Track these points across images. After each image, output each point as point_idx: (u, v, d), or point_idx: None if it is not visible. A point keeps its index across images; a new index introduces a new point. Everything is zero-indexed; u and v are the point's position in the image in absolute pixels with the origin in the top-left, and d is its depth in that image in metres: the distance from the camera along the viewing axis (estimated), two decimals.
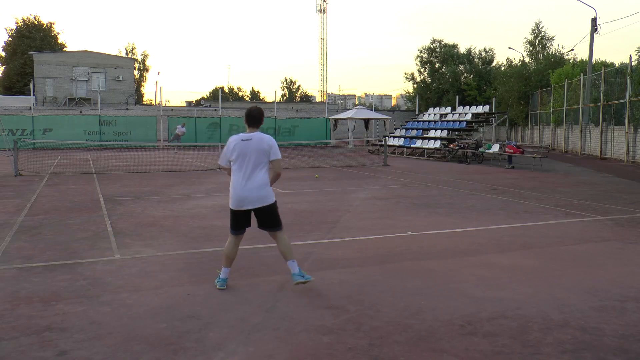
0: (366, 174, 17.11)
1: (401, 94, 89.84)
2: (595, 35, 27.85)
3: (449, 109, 31.96)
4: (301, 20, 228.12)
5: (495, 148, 21.42)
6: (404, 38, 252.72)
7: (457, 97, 40.55)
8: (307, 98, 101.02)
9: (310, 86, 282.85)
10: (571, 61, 37.02)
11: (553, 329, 4.18)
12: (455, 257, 6.45)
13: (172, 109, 47.45)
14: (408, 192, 12.43)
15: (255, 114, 5.07)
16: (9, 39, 63.00)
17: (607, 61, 33.58)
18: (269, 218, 5.12)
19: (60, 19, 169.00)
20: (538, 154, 19.74)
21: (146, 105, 59.57)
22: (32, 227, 8.21)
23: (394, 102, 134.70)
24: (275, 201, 5.18)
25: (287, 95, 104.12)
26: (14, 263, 6.10)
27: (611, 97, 24.36)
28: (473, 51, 51.68)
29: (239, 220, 5.18)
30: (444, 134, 27.23)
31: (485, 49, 52.60)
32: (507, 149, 20.36)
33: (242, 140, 5.02)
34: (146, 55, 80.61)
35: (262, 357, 3.70)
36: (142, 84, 79.30)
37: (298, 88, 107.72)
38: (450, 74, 49.63)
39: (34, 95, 41.15)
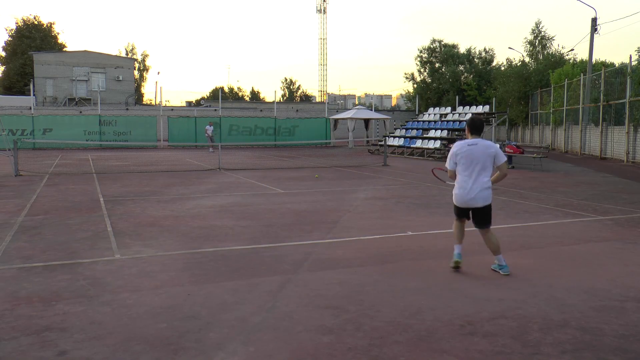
0: (366, 174, 17.11)
1: (401, 94, 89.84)
2: (595, 35, 27.87)
3: (449, 109, 31.97)
4: (301, 20, 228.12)
5: None
6: (404, 38, 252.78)
7: (457, 97, 40.54)
8: (307, 98, 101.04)
9: (310, 86, 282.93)
10: (571, 61, 37.04)
11: (553, 329, 4.18)
12: None
13: (172, 109, 47.47)
14: (408, 192, 12.43)
15: (478, 123, 5.70)
16: (9, 39, 63.06)
17: (607, 61, 33.62)
18: (484, 217, 5.68)
19: (60, 19, 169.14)
20: (538, 154, 19.74)
21: (146, 105, 59.61)
22: (32, 227, 8.21)
23: (394, 102, 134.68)
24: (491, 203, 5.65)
25: (287, 95, 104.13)
26: (14, 263, 6.10)
27: (611, 97, 24.36)
28: (473, 51, 51.72)
29: (461, 213, 5.80)
30: (444, 134, 27.23)
31: (485, 49, 52.70)
32: (507, 149, 20.35)
33: (469, 145, 5.58)
34: (146, 55, 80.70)
35: (262, 357, 3.70)
36: (142, 84, 79.38)
37: (298, 88, 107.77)
38: (450, 74, 49.65)
39: (34, 95, 41.15)
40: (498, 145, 5.55)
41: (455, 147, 5.65)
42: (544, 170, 18.45)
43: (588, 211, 9.83)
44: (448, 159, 5.72)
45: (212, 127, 31.16)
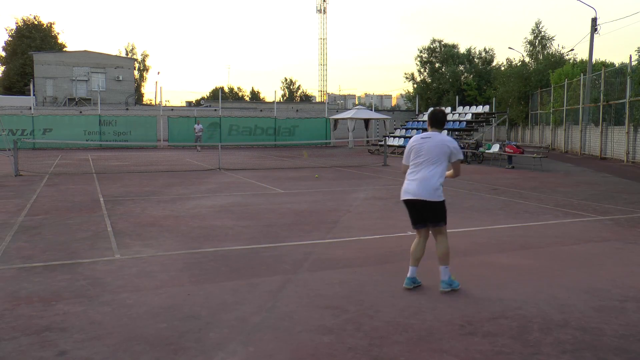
0: (366, 174, 17.11)
1: (401, 94, 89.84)
2: (595, 35, 27.86)
3: (449, 109, 31.95)
4: (301, 20, 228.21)
5: (495, 148, 21.42)
6: (404, 38, 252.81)
7: (457, 97, 40.55)
8: (307, 98, 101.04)
9: (310, 86, 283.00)
10: (571, 61, 37.03)
11: (553, 329, 4.18)
12: (455, 257, 6.44)
13: (172, 109, 47.46)
14: None
15: (439, 116, 5.29)
16: (9, 39, 63.03)
17: (607, 61, 33.60)
18: (434, 213, 5.16)
19: (60, 19, 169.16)
20: (538, 154, 19.74)
21: (146, 105, 59.59)
22: (32, 227, 8.21)
23: (394, 102, 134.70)
24: (443, 201, 5.16)
25: (287, 95, 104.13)
26: (14, 263, 6.10)
27: (611, 97, 24.36)
28: (473, 51, 51.71)
29: (412, 212, 5.30)
30: (444, 134, 27.21)
31: (485, 49, 52.67)
32: (507, 149, 20.36)
33: (422, 138, 5.20)
34: (146, 55, 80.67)
35: (262, 357, 3.70)
36: (142, 84, 79.35)
37: (298, 88, 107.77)
38: (450, 74, 49.64)
39: (34, 95, 41.15)
40: (456, 143, 5.18)
41: (410, 141, 5.33)
42: (544, 170, 18.45)
43: (588, 211, 9.83)
44: (404, 157, 5.36)
45: (200, 125, 31.73)
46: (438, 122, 5.25)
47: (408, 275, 5.24)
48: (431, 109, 5.60)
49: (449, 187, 13.36)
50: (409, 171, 5.26)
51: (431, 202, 5.08)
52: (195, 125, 31.69)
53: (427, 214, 5.16)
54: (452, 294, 5.04)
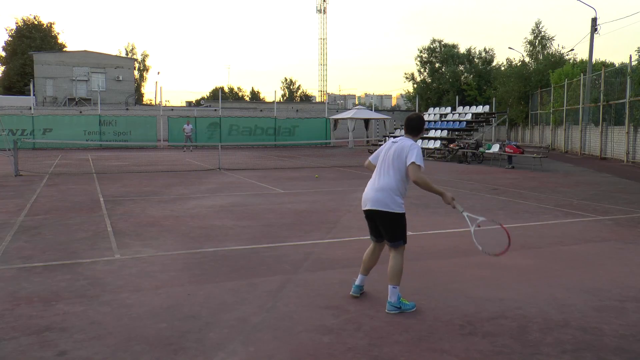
0: (366, 174, 17.07)
1: (401, 94, 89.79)
2: (595, 35, 27.86)
3: (449, 109, 31.94)
4: (301, 20, 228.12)
5: (495, 148, 21.42)
6: (404, 38, 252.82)
7: (457, 97, 40.55)
8: (307, 98, 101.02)
9: (310, 86, 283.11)
10: (571, 61, 37.02)
11: (553, 329, 4.18)
12: (455, 257, 6.45)
13: (172, 109, 47.44)
14: (408, 192, 12.40)
15: (413, 123, 4.83)
16: (9, 39, 63.01)
17: (607, 61, 33.61)
18: (385, 227, 4.68)
19: (60, 19, 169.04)
20: (538, 154, 19.74)
21: (146, 105, 59.58)
22: (32, 227, 8.21)
23: (394, 102, 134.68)
24: (402, 214, 4.66)
25: (287, 95, 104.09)
26: (14, 263, 6.10)
27: (611, 97, 24.36)
28: (473, 51, 51.69)
29: (369, 221, 4.89)
30: (444, 134, 27.23)
31: (485, 49, 52.62)
32: (507, 149, 20.36)
33: (392, 142, 4.82)
34: (146, 55, 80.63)
35: (262, 357, 3.70)
36: (142, 84, 79.32)
37: (298, 88, 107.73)
38: (450, 74, 49.62)
39: (34, 95, 41.13)
40: (418, 147, 4.60)
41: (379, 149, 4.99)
42: (544, 170, 18.45)
43: (588, 211, 9.83)
44: (371, 158, 5.06)
45: (190, 126, 31.88)
46: (410, 128, 4.81)
47: (356, 282, 4.92)
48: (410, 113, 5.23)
49: (449, 188, 13.37)
50: (373, 176, 4.88)
51: (386, 213, 4.59)
52: (185, 126, 31.74)
53: (381, 228, 4.70)
54: (452, 294, 5.03)
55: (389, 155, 4.71)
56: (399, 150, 4.65)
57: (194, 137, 34.15)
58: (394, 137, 4.97)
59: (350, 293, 4.95)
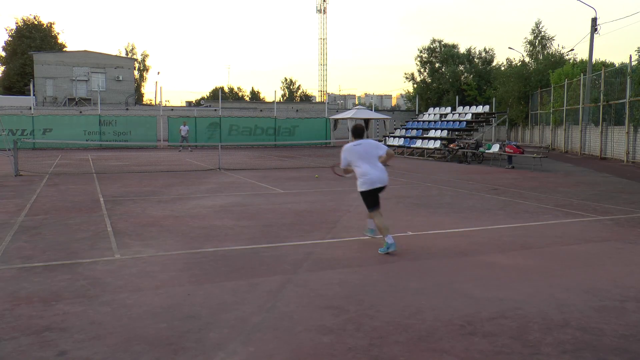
0: None
1: (401, 94, 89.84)
2: (595, 35, 27.86)
3: (449, 109, 31.96)
4: (301, 20, 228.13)
5: (495, 148, 21.42)
6: (404, 38, 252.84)
7: (457, 97, 40.54)
8: (307, 98, 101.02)
9: (310, 86, 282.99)
10: (571, 61, 37.03)
11: (553, 329, 4.18)
12: (455, 257, 6.45)
13: (172, 109, 47.42)
14: (408, 192, 12.43)
15: (358, 131, 6.96)
16: (9, 39, 63.00)
17: (607, 61, 33.60)
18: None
19: (60, 19, 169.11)
20: (538, 154, 19.74)
21: (146, 105, 59.53)
22: (32, 227, 8.21)
23: (394, 102, 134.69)
24: None
25: (287, 95, 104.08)
26: (14, 263, 6.10)
27: (611, 97, 24.36)
28: (473, 51, 51.66)
29: (373, 195, 6.74)
30: (444, 134, 27.24)
31: (485, 49, 52.60)
32: (507, 149, 20.36)
33: (354, 145, 6.76)
34: (146, 55, 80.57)
35: (262, 357, 3.70)
36: (142, 84, 79.29)
37: (298, 88, 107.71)
38: (450, 74, 49.61)
39: (34, 95, 41.14)
40: (379, 141, 6.77)
41: (344, 153, 6.78)
42: (544, 170, 18.45)
43: (588, 211, 9.83)
44: (345, 163, 6.80)
45: (186, 127, 32.01)
46: (358, 134, 6.91)
47: (390, 242, 6.54)
48: (354, 124, 7.44)
49: (449, 188, 13.38)
50: (363, 168, 6.66)
51: (385, 186, 6.78)
52: (182, 127, 31.81)
53: (378, 196, 6.79)
54: (452, 294, 5.04)
55: (367, 152, 6.72)
56: (371, 147, 6.80)
57: (193, 138, 34.17)
58: (355, 143, 6.86)
59: (389, 250, 6.56)
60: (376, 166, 6.70)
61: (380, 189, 6.74)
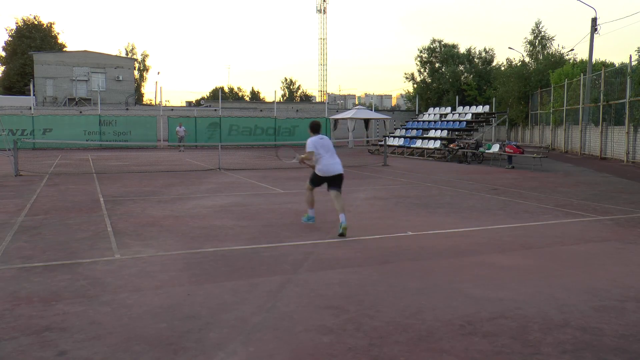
0: (366, 174, 17.11)
1: (401, 94, 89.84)
2: (595, 35, 27.87)
3: (449, 109, 31.97)
4: (301, 20, 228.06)
5: (495, 148, 21.42)
6: (404, 38, 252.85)
7: (457, 97, 40.57)
8: (307, 98, 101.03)
9: (310, 86, 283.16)
10: (571, 61, 37.03)
11: (553, 329, 4.18)
12: (455, 257, 6.45)
13: (172, 109, 47.45)
14: (408, 192, 12.43)
15: (317, 127, 8.34)
16: (9, 39, 63.02)
17: (607, 61, 33.60)
18: (340, 182, 7.93)
19: (60, 19, 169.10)
20: (538, 154, 19.75)
21: (146, 105, 59.56)
22: (32, 227, 8.21)
23: (394, 102, 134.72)
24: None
25: (287, 95, 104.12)
26: (14, 263, 6.10)
27: (611, 97, 24.36)
28: (473, 51, 51.72)
29: (321, 181, 8.01)
30: (444, 134, 27.24)
31: (485, 49, 52.70)
32: (507, 149, 20.36)
33: (320, 139, 8.01)
34: (146, 55, 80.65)
35: (262, 357, 3.70)
36: (142, 84, 79.34)
37: (298, 88, 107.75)
38: (450, 74, 49.64)
39: (34, 95, 41.15)
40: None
41: (312, 142, 7.90)
42: (544, 170, 18.45)
43: (588, 211, 9.83)
44: (314, 148, 7.86)
45: (183, 128, 32.23)
46: (317, 129, 8.24)
47: (312, 215, 8.44)
48: (312, 121, 8.66)
49: (449, 188, 13.38)
50: (324, 159, 7.86)
51: (342, 175, 7.93)
52: (178, 128, 31.98)
53: (337, 182, 7.88)
54: (452, 294, 5.03)
55: (328, 145, 8.02)
56: (329, 142, 8.10)
57: (193, 138, 34.17)
58: (319, 136, 8.15)
59: (308, 222, 8.42)
60: (334, 158, 7.92)
61: (337, 177, 7.84)
